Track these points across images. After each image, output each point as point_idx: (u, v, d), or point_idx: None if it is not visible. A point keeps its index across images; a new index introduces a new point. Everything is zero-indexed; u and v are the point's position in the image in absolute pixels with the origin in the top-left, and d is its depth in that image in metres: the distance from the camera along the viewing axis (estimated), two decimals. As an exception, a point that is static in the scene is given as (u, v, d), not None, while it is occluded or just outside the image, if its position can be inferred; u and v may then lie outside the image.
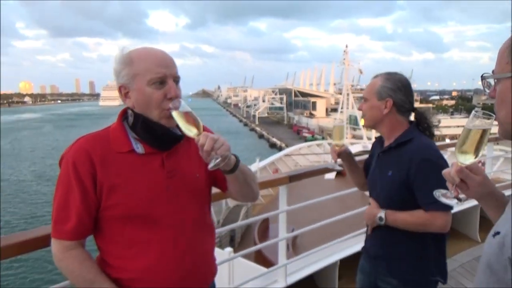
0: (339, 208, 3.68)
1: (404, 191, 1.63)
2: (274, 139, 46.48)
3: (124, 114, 1.27)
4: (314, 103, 64.01)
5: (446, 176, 0.98)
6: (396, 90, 1.68)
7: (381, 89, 1.69)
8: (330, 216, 2.85)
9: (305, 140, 37.54)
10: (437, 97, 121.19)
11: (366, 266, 1.88)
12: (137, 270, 1.19)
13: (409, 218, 1.63)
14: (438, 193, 1.04)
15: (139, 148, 1.22)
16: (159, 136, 1.22)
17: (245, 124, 70.98)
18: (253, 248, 3.06)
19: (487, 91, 0.86)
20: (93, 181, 1.15)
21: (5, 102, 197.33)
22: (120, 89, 1.23)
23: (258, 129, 58.96)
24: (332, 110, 62.24)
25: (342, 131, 1.94)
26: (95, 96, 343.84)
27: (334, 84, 77.08)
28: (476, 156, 0.95)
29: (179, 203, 1.25)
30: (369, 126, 1.79)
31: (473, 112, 0.92)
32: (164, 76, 1.19)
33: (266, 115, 72.46)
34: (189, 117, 1.15)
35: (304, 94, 71.78)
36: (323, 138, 37.09)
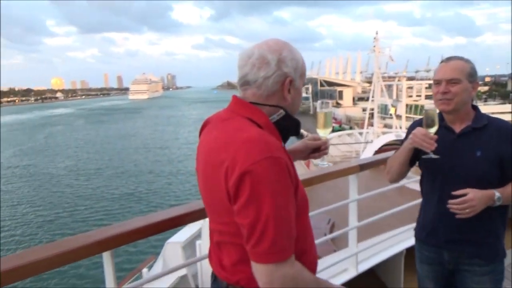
0: (380, 202, 3.57)
1: (497, 168, 1.65)
2: (301, 130, 46.02)
3: (256, 110, 1.13)
4: (340, 92, 63.02)
5: None
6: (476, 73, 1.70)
7: (472, 71, 1.68)
8: (368, 210, 2.79)
9: (333, 130, 36.91)
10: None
11: (434, 255, 1.84)
12: (314, 256, 1.21)
13: None
14: None
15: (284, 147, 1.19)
16: (295, 134, 1.24)
17: (271, 115, 70.79)
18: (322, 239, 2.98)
19: None
20: (296, 181, 1.06)
21: (39, 98, 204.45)
22: (290, 82, 1.14)
23: (284, 119, 58.70)
24: (359, 99, 61.13)
25: (436, 116, 1.72)
26: (123, 90, 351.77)
27: (361, 72, 75.64)
28: None
29: None
30: (455, 110, 1.70)
31: None
32: None
33: (292, 105, 71.84)
34: (329, 119, 1.46)
35: (330, 84, 70.83)
36: (350, 128, 36.56)
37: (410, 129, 1.88)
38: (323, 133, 1.46)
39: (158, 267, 5.81)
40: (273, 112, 1.14)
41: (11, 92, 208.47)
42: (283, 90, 1.13)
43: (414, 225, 1.97)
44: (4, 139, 50.23)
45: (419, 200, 1.96)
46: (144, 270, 5.37)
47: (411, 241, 2.95)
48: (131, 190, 22.81)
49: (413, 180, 2.43)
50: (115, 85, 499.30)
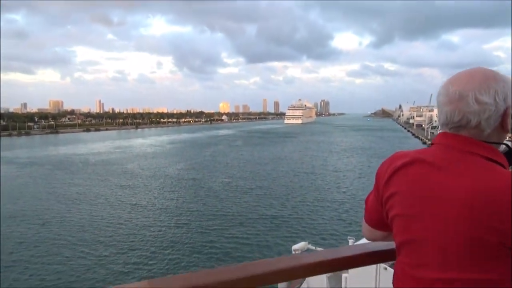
0: None
1: None
2: None
3: (491, 148, 1.08)
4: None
5: None
6: None
7: None
8: None
9: None
10: None
11: None
12: None
13: None
14: None
15: None
16: None
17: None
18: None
19: None
20: None
21: (208, 120, 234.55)
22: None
23: (445, 153, 52.68)
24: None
25: None
26: (279, 114, 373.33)
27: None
28: None
29: None
30: None
31: None
32: None
33: (455, 138, 64.03)
34: None
35: (507, 115, 60.70)
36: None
37: None
38: None
39: None
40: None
41: (188, 113, 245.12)
42: (505, 121, 1.08)
43: None
44: (180, 153, 60.45)
45: None
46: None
47: None
48: (276, 213, 23.72)
49: None
50: (272, 110, 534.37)
